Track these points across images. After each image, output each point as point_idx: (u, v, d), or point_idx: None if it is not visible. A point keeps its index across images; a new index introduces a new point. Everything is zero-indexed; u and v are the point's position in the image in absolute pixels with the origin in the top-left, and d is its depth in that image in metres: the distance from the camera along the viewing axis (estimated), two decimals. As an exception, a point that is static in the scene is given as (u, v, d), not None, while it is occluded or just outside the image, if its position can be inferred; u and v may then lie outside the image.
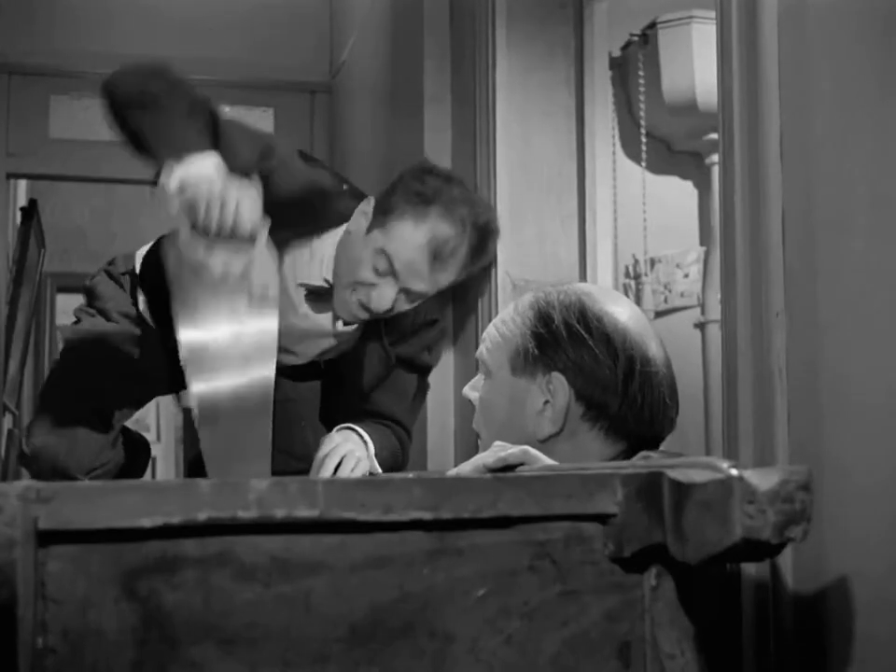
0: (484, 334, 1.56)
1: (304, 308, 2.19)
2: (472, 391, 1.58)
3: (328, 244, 2.16)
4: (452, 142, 2.88)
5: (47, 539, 0.88)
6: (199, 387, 1.76)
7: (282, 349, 2.30)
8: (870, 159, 1.22)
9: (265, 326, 1.81)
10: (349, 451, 2.08)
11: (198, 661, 0.90)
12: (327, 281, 2.15)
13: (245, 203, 1.73)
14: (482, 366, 1.55)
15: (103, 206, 6.29)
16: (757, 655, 1.34)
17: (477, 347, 1.60)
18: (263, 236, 1.78)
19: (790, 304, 1.36)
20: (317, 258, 2.16)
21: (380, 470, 2.14)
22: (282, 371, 2.42)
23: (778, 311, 1.37)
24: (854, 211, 1.25)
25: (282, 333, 2.22)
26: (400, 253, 2.04)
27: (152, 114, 1.87)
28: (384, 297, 2.07)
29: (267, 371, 1.82)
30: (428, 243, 2.03)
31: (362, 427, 2.18)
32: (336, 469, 2.07)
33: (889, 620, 1.15)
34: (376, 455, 2.17)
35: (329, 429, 2.30)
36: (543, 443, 1.42)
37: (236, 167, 1.96)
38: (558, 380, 1.43)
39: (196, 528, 0.89)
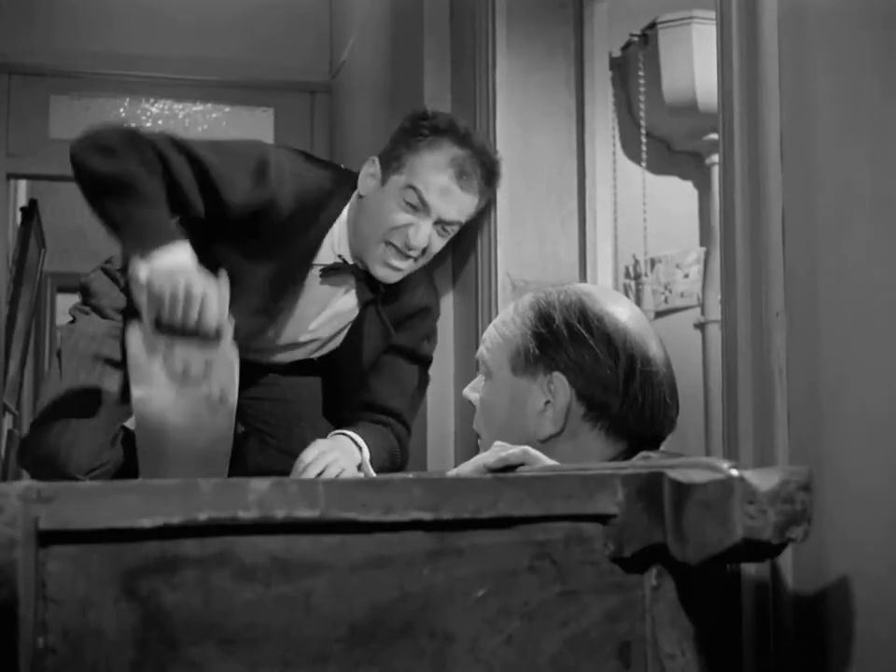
0: (484, 335, 1.56)
1: (317, 288, 2.21)
2: (472, 392, 1.58)
3: (336, 225, 2.19)
4: (452, 142, 2.88)
5: (47, 539, 0.88)
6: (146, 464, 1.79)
7: (298, 344, 2.31)
8: (870, 159, 1.22)
9: (221, 432, 1.80)
10: (334, 459, 2.07)
11: (198, 661, 0.90)
12: (340, 257, 2.18)
13: (211, 300, 1.74)
14: (482, 366, 1.55)
15: (103, 206, 6.27)
16: (757, 655, 1.34)
17: (477, 347, 1.60)
18: (228, 336, 1.77)
19: (790, 304, 1.36)
20: (327, 241, 2.19)
21: (374, 475, 2.13)
22: (279, 369, 2.42)
23: (778, 311, 1.37)
24: (854, 211, 1.24)
25: (300, 321, 2.24)
26: (429, 181, 2.13)
27: (119, 199, 1.89)
28: (421, 231, 2.13)
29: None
30: (451, 163, 2.13)
31: (357, 432, 2.17)
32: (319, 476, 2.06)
33: (889, 620, 1.15)
34: (372, 460, 2.16)
35: (332, 424, 2.30)
36: (544, 443, 1.42)
37: (232, 199, 1.98)
38: (559, 380, 1.42)
39: (196, 528, 0.89)
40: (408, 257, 2.16)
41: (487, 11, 2.62)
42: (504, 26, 2.61)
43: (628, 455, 1.44)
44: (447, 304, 2.85)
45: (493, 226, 2.59)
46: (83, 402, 2.25)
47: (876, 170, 1.21)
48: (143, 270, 1.75)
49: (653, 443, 1.46)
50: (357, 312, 2.29)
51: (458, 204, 2.16)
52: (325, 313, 2.27)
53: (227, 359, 1.79)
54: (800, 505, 0.87)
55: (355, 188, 2.22)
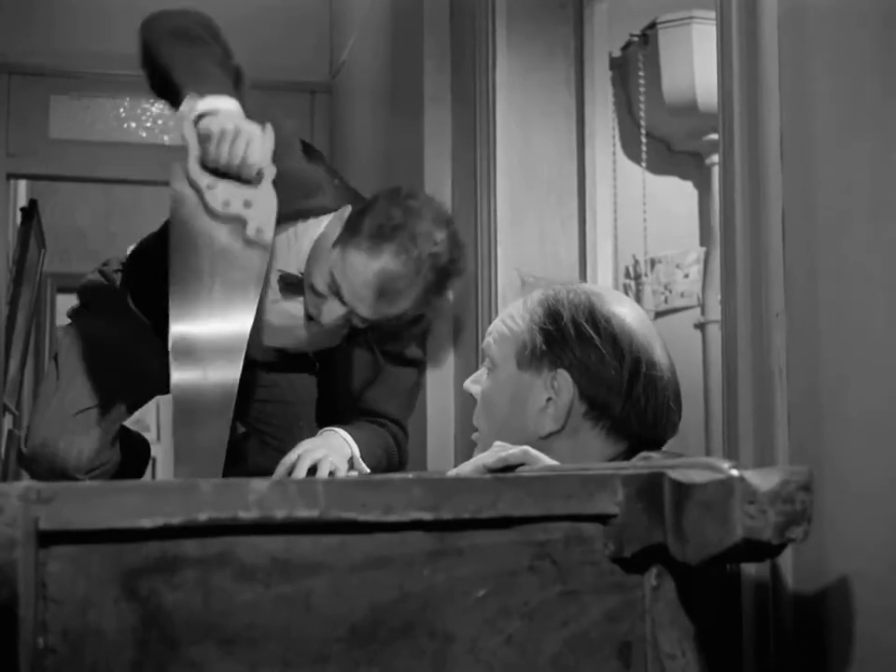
0: (491, 327, 1.56)
1: (277, 295, 2.18)
2: (474, 385, 1.58)
3: (307, 236, 2.14)
4: (452, 142, 2.88)
5: (47, 539, 0.88)
6: (179, 375, 1.81)
7: (258, 345, 2.29)
8: (870, 159, 1.22)
9: (253, 264, 1.83)
10: (322, 456, 2.05)
11: (198, 661, 0.90)
12: (300, 272, 2.14)
13: (256, 143, 1.78)
14: (486, 358, 1.55)
15: (102, 207, 6.29)
16: (757, 656, 1.34)
17: (477, 348, 1.60)
18: (269, 180, 1.81)
19: (790, 305, 1.36)
20: (294, 249, 2.14)
21: (367, 471, 2.12)
22: (278, 367, 2.42)
23: (778, 311, 1.37)
24: (854, 211, 1.25)
25: (261, 326, 2.22)
26: (348, 280, 1.99)
27: (189, 47, 1.93)
28: (330, 312, 2.04)
29: (233, 371, 1.84)
30: (376, 276, 1.96)
31: (347, 429, 2.16)
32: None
33: (889, 620, 1.15)
34: (364, 456, 2.14)
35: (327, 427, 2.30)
36: (544, 440, 1.42)
37: None
38: (563, 377, 1.43)
39: (196, 529, 0.89)
40: (318, 323, 2.09)
41: (487, 11, 2.62)
42: (504, 26, 2.62)
43: (628, 455, 1.44)
44: (447, 307, 2.86)
45: (493, 226, 2.60)
46: (81, 402, 2.25)
47: (876, 170, 1.21)
48: (198, 105, 1.79)
49: (654, 446, 1.45)
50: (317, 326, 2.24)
51: (373, 311, 2.02)
52: (283, 319, 2.23)
53: (267, 201, 1.83)
54: (800, 505, 0.87)
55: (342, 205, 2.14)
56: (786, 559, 1.32)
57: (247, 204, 1.81)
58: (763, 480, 0.86)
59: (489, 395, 1.53)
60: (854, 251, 1.24)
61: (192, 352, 1.83)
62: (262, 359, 2.38)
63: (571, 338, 1.43)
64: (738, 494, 0.86)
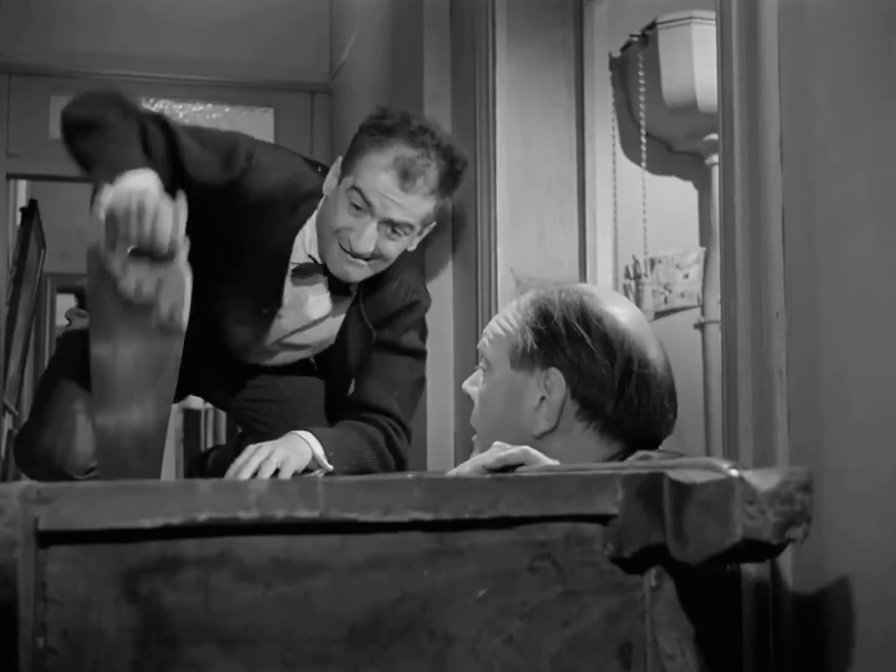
0: (486, 328, 1.56)
1: (293, 290, 2.21)
2: (471, 386, 1.58)
3: (307, 225, 2.18)
4: (452, 142, 2.88)
5: (47, 539, 0.88)
6: (102, 418, 1.81)
7: (286, 345, 2.31)
8: (870, 159, 1.22)
9: (168, 351, 1.82)
10: (266, 456, 2.03)
11: (198, 661, 0.90)
12: (311, 257, 2.17)
13: (166, 218, 1.74)
14: (482, 359, 1.56)
15: (103, 207, 6.27)
16: (757, 656, 1.34)
17: (478, 344, 1.60)
18: (182, 256, 1.78)
19: (790, 304, 1.36)
20: (298, 241, 2.19)
21: (330, 468, 2.11)
22: (278, 370, 2.42)
23: (778, 311, 1.37)
24: (854, 211, 1.25)
25: (285, 327, 2.23)
26: (369, 181, 2.07)
27: (99, 136, 1.95)
28: (364, 236, 2.09)
29: (164, 410, 1.85)
30: (394, 163, 2.06)
31: (316, 431, 2.14)
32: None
33: (889, 620, 1.15)
34: (334, 457, 2.12)
35: (332, 423, 2.30)
36: (538, 440, 1.43)
37: (199, 177, 2.00)
38: (555, 376, 1.43)
39: (196, 529, 0.89)
40: (359, 261, 2.13)
41: (487, 12, 2.62)
42: (504, 26, 2.62)
43: (624, 455, 1.44)
44: (447, 303, 2.86)
45: (493, 225, 2.60)
46: (79, 403, 2.25)
47: (876, 170, 1.21)
48: (106, 193, 1.77)
49: (649, 446, 1.45)
50: (339, 315, 2.28)
51: (403, 206, 2.09)
52: (305, 318, 2.26)
53: (179, 279, 1.79)
54: (799, 505, 0.87)
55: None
56: (786, 559, 1.32)
57: (159, 286, 1.77)
58: (762, 480, 0.86)
59: (485, 395, 1.53)
60: (854, 251, 1.24)
61: (116, 446, 1.84)
62: (281, 363, 2.39)
63: (562, 337, 1.44)
64: (738, 494, 0.86)
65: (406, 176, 2.07)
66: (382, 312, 2.27)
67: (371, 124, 2.13)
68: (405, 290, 2.29)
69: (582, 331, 1.43)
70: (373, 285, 2.25)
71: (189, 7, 4.35)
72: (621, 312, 1.46)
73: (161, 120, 2.08)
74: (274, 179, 2.14)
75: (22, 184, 5.35)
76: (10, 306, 4.54)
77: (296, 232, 2.20)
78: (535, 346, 1.45)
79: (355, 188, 2.08)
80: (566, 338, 1.43)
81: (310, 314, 2.26)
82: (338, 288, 2.23)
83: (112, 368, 1.82)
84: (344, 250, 2.12)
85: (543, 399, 1.44)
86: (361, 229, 2.09)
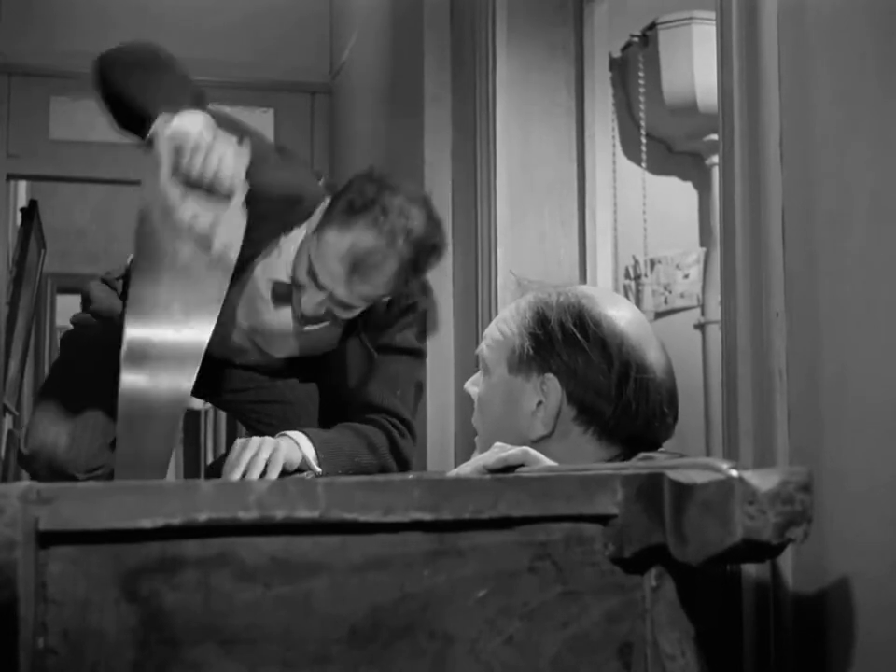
0: (486, 331, 1.56)
1: (270, 305, 2.18)
2: (472, 387, 1.58)
3: (294, 243, 2.14)
4: (452, 142, 2.88)
5: (47, 539, 0.88)
6: (129, 380, 1.80)
7: (258, 348, 2.30)
8: (870, 159, 1.22)
9: (214, 287, 1.81)
10: (255, 453, 2.02)
11: (198, 662, 0.90)
12: (291, 278, 2.14)
13: (229, 157, 1.74)
14: (481, 363, 1.55)
15: (103, 207, 6.29)
16: (757, 656, 1.35)
17: (477, 346, 1.60)
18: (240, 197, 1.78)
19: (790, 305, 1.36)
20: (283, 257, 2.13)
21: (319, 471, 2.09)
22: (278, 372, 2.42)
23: (778, 311, 1.37)
24: (854, 211, 1.25)
25: (257, 331, 2.22)
26: (321, 260, 2.00)
27: (152, 74, 1.88)
28: (309, 301, 2.04)
29: (186, 381, 1.83)
30: (348, 252, 1.97)
31: (309, 432, 2.12)
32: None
33: (889, 620, 1.15)
34: (325, 459, 2.09)
35: (328, 426, 2.29)
36: (535, 444, 1.42)
37: None
38: (551, 382, 1.42)
39: (196, 529, 0.89)
40: (300, 315, 2.10)
41: (487, 12, 2.62)
42: (504, 27, 2.62)
43: (623, 458, 1.43)
44: (447, 304, 2.85)
45: (493, 226, 2.60)
46: (81, 404, 2.25)
47: (876, 170, 1.21)
48: (171, 120, 1.75)
49: (648, 449, 1.45)
50: (331, 329, 2.25)
51: (352, 294, 2.02)
52: (277, 327, 2.21)
53: (235, 218, 1.79)
54: (800, 505, 0.86)
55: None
56: (786, 559, 1.32)
57: (215, 222, 1.77)
58: (762, 480, 0.86)
59: (483, 398, 1.53)
60: (854, 251, 1.24)
61: (146, 359, 1.82)
62: (264, 364, 2.38)
63: (558, 342, 1.43)
64: (738, 494, 0.86)
65: (356, 269, 1.98)
66: (380, 323, 2.24)
67: (346, 194, 2.03)
68: (400, 298, 2.24)
69: (579, 336, 1.42)
70: (377, 310, 2.19)
71: (190, 7, 4.36)
72: (619, 315, 1.45)
73: (198, 87, 2.04)
74: (276, 181, 2.06)
75: (22, 184, 5.35)
76: (10, 306, 4.54)
77: (276, 242, 2.14)
78: (531, 351, 1.45)
79: (310, 258, 2.01)
80: (562, 343, 1.43)
81: (294, 327, 2.22)
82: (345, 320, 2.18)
83: (154, 302, 1.81)
84: (295, 306, 2.09)
85: (540, 403, 1.44)
86: (309, 295, 2.04)
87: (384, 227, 1.97)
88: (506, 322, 1.51)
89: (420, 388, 2.38)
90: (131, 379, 1.81)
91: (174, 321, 1.82)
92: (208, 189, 1.76)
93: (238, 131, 1.98)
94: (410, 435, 2.26)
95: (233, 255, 1.80)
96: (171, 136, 1.74)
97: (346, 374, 2.27)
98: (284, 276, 2.12)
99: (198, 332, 1.83)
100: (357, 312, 2.12)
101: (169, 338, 1.82)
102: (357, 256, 1.96)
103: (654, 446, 1.45)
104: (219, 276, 1.81)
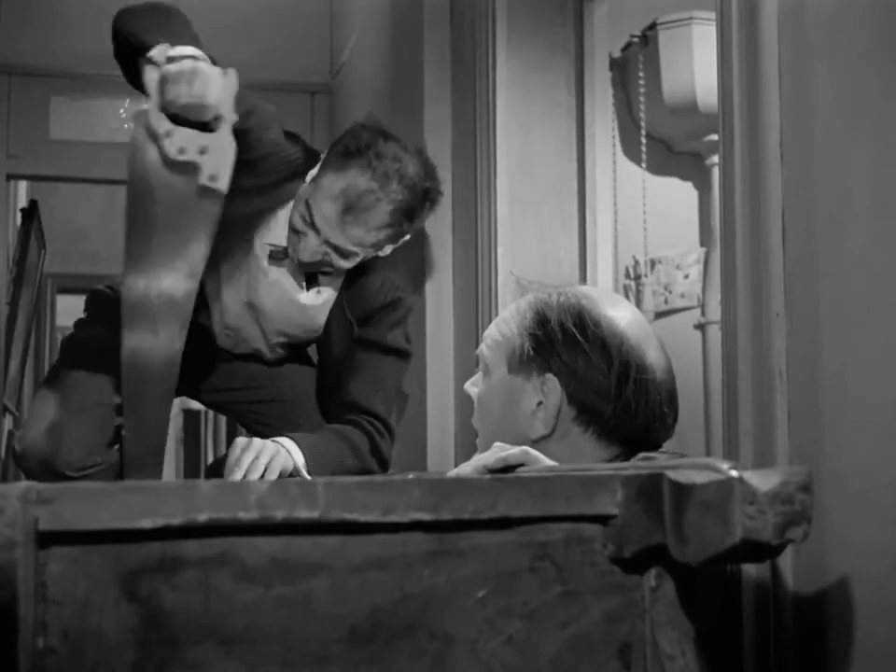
0: (486, 332, 1.56)
1: (266, 267, 2.21)
2: (472, 387, 1.58)
3: (285, 208, 2.20)
4: (452, 142, 2.88)
5: (47, 540, 0.88)
6: (131, 279, 1.84)
7: (259, 326, 2.31)
8: (870, 159, 1.22)
9: (205, 214, 1.82)
10: (255, 456, 2.04)
11: (198, 662, 0.90)
12: (289, 229, 2.18)
13: (214, 84, 1.75)
14: (481, 363, 1.56)
15: (103, 207, 6.29)
16: (758, 656, 1.34)
17: (477, 347, 1.60)
18: (227, 127, 1.79)
19: (790, 305, 1.36)
20: (281, 223, 2.19)
21: (308, 478, 2.10)
22: (276, 364, 2.42)
23: (778, 312, 1.37)
24: (854, 211, 1.25)
25: (255, 306, 2.24)
26: (317, 203, 2.05)
27: (162, 16, 1.90)
28: (306, 247, 2.09)
29: (192, 281, 1.87)
30: (342, 193, 2.03)
31: (295, 437, 2.13)
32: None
33: (889, 621, 1.15)
34: (313, 466, 2.11)
35: (326, 421, 2.30)
36: (535, 444, 1.42)
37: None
38: (552, 382, 1.43)
39: (196, 529, 0.89)
40: (297, 260, 2.14)
41: (487, 12, 2.62)
42: (504, 27, 2.62)
43: (622, 458, 1.43)
44: (447, 304, 2.85)
45: (493, 226, 2.60)
46: (76, 403, 2.25)
47: (876, 170, 1.21)
48: (163, 49, 1.77)
49: (648, 449, 1.45)
50: (323, 304, 2.27)
51: (345, 236, 2.07)
52: (287, 301, 2.26)
53: (224, 147, 1.80)
54: (799, 506, 0.87)
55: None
56: (786, 559, 1.32)
57: (203, 151, 1.77)
58: (762, 480, 0.86)
59: (483, 398, 1.53)
60: (854, 251, 1.24)
61: (142, 317, 1.86)
62: (270, 356, 2.39)
63: (558, 342, 1.43)
64: (738, 494, 0.86)
65: (349, 210, 2.04)
66: (364, 307, 2.26)
67: (342, 140, 2.10)
68: (388, 286, 2.27)
69: (579, 336, 1.42)
70: (356, 278, 2.24)
71: (189, 7, 4.34)
72: (619, 315, 1.45)
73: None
74: (272, 137, 2.10)
75: (23, 184, 5.35)
76: (10, 307, 4.54)
77: (274, 211, 2.18)
78: (531, 352, 1.45)
79: (306, 202, 2.07)
80: (562, 343, 1.43)
81: (290, 297, 2.26)
82: (313, 275, 2.22)
83: (149, 230, 1.83)
84: (293, 251, 2.13)
85: (540, 403, 1.44)
86: (306, 241, 2.09)
87: (378, 170, 2.03)
88: (506, 322, 1.51)
89: (400, 390, 2.40)
90: (132, 339, 1.86)
91: (168, 257, 1.85)
92: (195, 117, 1.76)
93: (246, 99, 1.99)
94: (389, 436, 2.28)
95: (223, 183, 1.81)
96: (163, 64, 1.75)
97: (331, 350, 2.28)
98: (281, 241, 2.17)
99: (191, 271, 1.86)
100: (353, 261, 2.15)
101: (163, 290, 1.85)
102: (350, 197, 2.02)
103: (654, 446, 1.45)
104: (210, 204, 1.82)
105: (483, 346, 1.55)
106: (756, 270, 1.41)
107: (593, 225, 2.64)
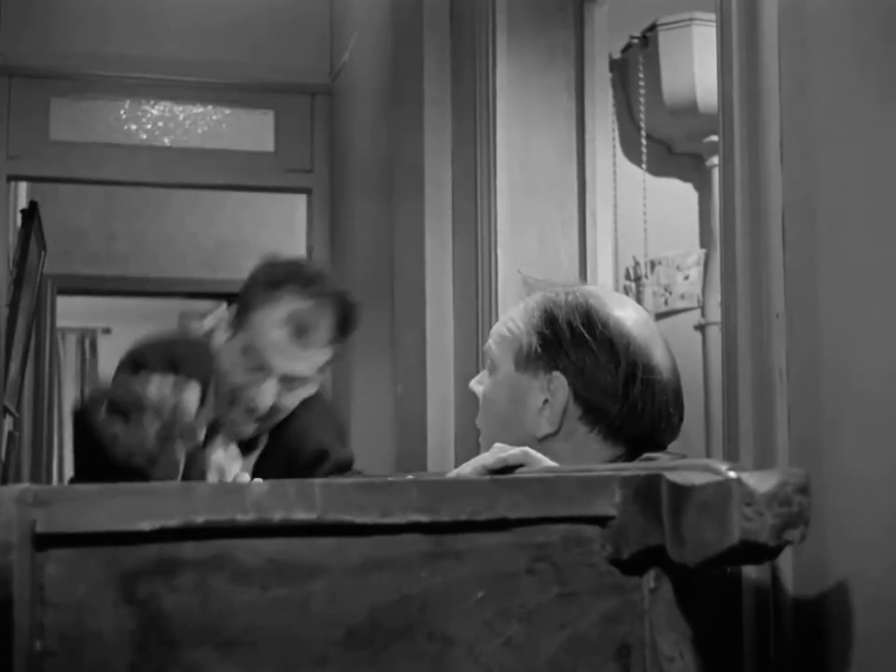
0: (493, 329, 1.56)
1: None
2: (478, 385, 1.58)
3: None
4: (452, 143, 2.88)
5: (44, 542, 0.87)
6: None
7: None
8: (870, 159, 1.22)
9: None
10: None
11: (196, 664, 0.89)
12: (227, 395, 2.12)
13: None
14: (487, 360, 1.55)
15: (103, 208, 6.29)
16: (757, 658, 1.34)
17: (477, 351, 1.60)
18: None
19: (790, 305, 1.35)
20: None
21: None
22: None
23: (779, 312, 1.36)
24: (854, 211, 1.24)
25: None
26: (264, 340, 2.02)
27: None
28: (265, 393, 2.04)
29: None
30: (288, 318, 2.02)
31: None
32: None
33: (889, 621, 1.15)
34: None
35: None
36: (541, 442, 1.42)
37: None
38: (559, 380, 1.43)
39: (194, 531, 0.89)
40: (254, 419, 2.08)
41: (487, 14, 2.62)
42: (504, 29, 2.62)
43: (627, 458, 1.43)
44: (447, 306, 2.85)
45: (493, 227, 2.59)
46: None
47: (876, 170, 1.21)
48: None
49: (653, 450, 1.45)
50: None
51: (302, 360, 2.04)
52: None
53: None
54: (797, 507, 0.86)
55: None
56: (786, 561, 1.31)
57: None
58: (760, 482, 0.86)
59: (489, 396, 1.53)
60: (854, 251, 1.24)
61: None
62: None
63: (566, 341, 1.43)
64: (735, 496, 0.85)
65: (301, 332, 2.03)
66: (291, 460, 2.19)
67: (262, 277, 2.08)
68: (314, 440, 2.21)
69: (587, 335, 1.42)
70: (278, 437, 2.18)
71: (190, 8, 4.35)
72: (626, 315, 1.45)
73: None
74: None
75: (23, 185, 5.35)
76: (11, 308, 4.53)
77: None
78: (539, 349, 1.45)
79: (250, 347, 2.03)
80: (570, 342, 1.43)
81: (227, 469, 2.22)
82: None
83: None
84: (246, 410, 2.07)
85: (546, 402, 1.44)
86: (261, 386, 2.04)
87: (309, 291, 2.04)
88: (513, 320, 1.51)
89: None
90: None
91: None
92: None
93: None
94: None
95: None
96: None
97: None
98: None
99: None
100: (300, 395, 2.11)
101: None
102: (295, 319, 2.02)
103: (660, 447, 1.45)
104: None
105: (489, 343, 1.55)
106: (756, 270, 1.41)
107: (593, 226, 2.64)
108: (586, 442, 1.43)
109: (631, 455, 1.43)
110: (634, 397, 1.41)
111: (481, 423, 1.55)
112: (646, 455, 1.40)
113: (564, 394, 1.42)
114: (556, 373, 1.43)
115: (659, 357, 1.44)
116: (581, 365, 1.42)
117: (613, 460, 1.43)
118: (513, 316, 1.53)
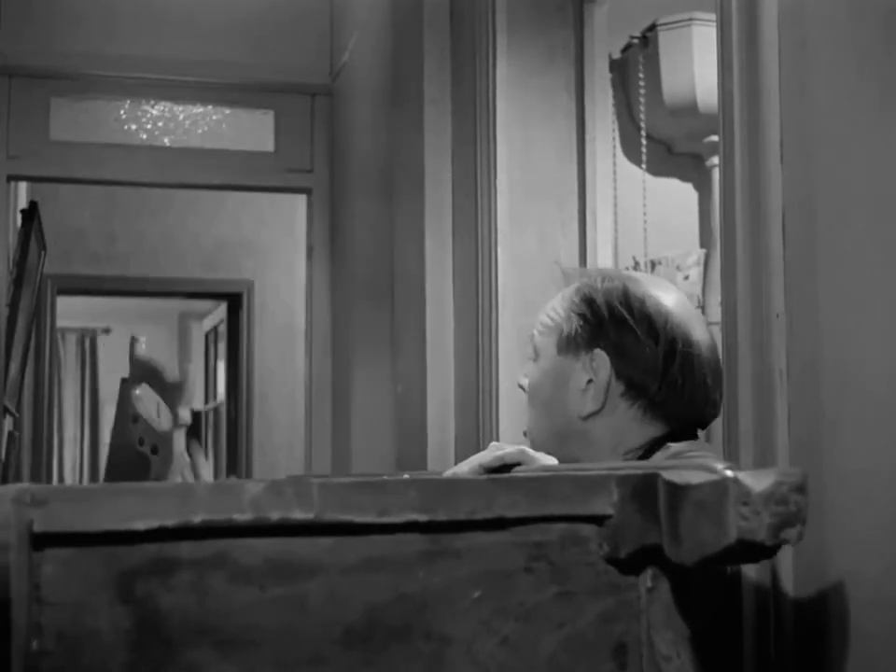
0: (536, 320, 1.60)
1: None
2: (524, 378, 1.62)
3: None
4: (452, 143, 2.88)
5: (41, 541, 0.87)
6: None
7: None
8: (870, 159, 1.22)
9: None
10: None
11: (194, 663, 0.89)
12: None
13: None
14: (531, 349, 1.59)
15: (103, 208, 6.29)
16: (757, 658, 1.34)
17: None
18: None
19: (790, 306, 1.35)
20: None
21: None
22: None
23: (779, 312, 1.36)
24: (854, 211, 1.24)
25: None
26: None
27: None
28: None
29: None
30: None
31: None
32: None
33: (889, 621, 1.15)
34: None
35: None
36: (584, 421, 1.45)
37: None
38: (600, 357, 1.46)
39: (191, 531, 0.89)
40: None
41: (487, 14, 2.62)
42: (504, 29, 2.62)
43: (667, 436, 1.46)
44: (447, 307, 2.85)
45: (493, 227, 2.59)
46: None
47: (876, 170, 1.21)
48: None
49: (694, 427, 1.48)
50: None
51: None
52: None
53: None
54: (794, 506, 0.86)
55: None
56: (786, 560, 1.31)
57: None
58: (756, 481, 0.86)
59: (534, 383, 1.57)
60: (854, 251, 1.24)
61: None
62: None
63: (606, 320, 1.47)
64: (732, 495, 0.86)
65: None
66: None
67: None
68: None
69: (625, 313, 1.46)
70: None
71: (190, 8, 4.35)
72: (663, 294, 1.50)
73: None
74: None
75: (23, 185, 5.35)
76: (11, 308, 4.53)
77: None
78: (579, 330, 1.49)
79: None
80: (609, 320, 1.47)
81: None
82: None
83: None
84: None
85: (590, 381, 1.47)
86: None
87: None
88: (554, 308, 1.56)
89: None
90: None
91: None
92: None
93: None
94: None
95: None
96: None
97: None
98: None
99: None
100: None
101: None
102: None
103: (700, 424, 1.48)
104: None
105: (533, 332, 1.59)
106: (756, 270, 1.41)
107: (593, 226, 2.65)
108: (627, 419, 1.46)
109: (671, 433, 1.45)
110: (673, 373, 1.44)
111: (528, 412, 1.58)
112: (674, 449, 1.41)
113: (606, 371, 1.46)
114: (598, 351, 1.46)
115: (698, 334, 1.47)
116: (621, 342, 1.45)
117: (652, 438, 1.45)
118: (553, 305, 1.57)
